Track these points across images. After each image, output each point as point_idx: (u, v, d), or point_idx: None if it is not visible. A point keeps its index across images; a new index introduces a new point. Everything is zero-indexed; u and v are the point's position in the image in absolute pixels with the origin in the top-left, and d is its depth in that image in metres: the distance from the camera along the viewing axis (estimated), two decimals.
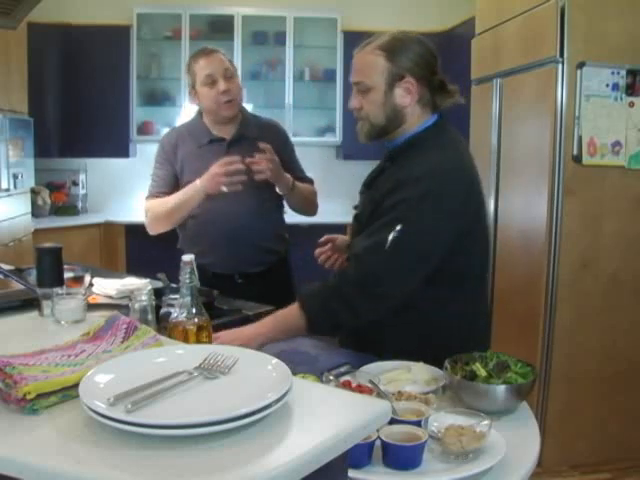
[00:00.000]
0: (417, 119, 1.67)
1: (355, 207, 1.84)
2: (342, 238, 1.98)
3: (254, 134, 2.34)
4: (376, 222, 1.60)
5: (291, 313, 1.63)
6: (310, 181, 2.51)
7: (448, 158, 1.63)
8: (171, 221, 2.34)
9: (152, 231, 2.41)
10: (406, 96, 1.63)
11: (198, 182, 2.21)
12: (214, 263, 2.32)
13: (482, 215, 1.73)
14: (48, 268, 1.44)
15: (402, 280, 1.59)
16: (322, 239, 1.99)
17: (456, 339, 1.66)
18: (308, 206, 2.51)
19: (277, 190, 2.34)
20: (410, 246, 1.55)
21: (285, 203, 2.48)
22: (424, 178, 1.57)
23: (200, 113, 2.41)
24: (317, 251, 1.98)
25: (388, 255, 1.54)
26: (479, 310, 1.79)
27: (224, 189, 2.15)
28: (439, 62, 1.67)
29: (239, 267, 2.35)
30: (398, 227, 1.53)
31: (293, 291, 2.50)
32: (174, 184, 2.35)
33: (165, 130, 5.01)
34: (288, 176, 2.30)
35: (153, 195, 2.37)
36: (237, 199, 2.24)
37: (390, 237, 1.53)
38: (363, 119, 1.68)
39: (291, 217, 2.64)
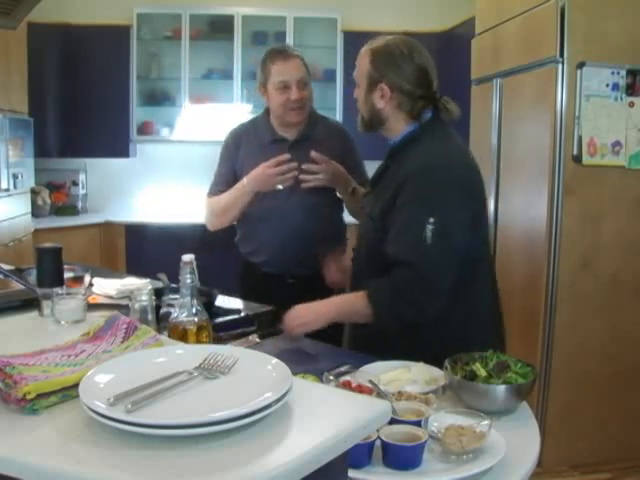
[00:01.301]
0: (405, 123, 1.74)
1: (362, 207, 1.87)
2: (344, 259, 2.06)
3: (319, 136, 2.32)
4: (399, 221, 1.62)
5: (358, 301, 1.67)
6: None
7: (449, 148, 1.72)
8: (225, 219, 2.36)
9: (210, 227, 2.43)
10: (381, 100, 1.72)
11: (245, 180, 2.21)
12: (265, 262, 2.31)
13: (485, 202, 1.79)
14: (48, 268, 1.44)
15: (449, 268, 1.62)
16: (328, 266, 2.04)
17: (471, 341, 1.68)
18: None
19: (337, 194, 2.29)
20: (449, 236, 1.60)
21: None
22: (432, 168, 1.64)
23: (267, 110, 2.38)
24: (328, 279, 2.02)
25: (433, 249, 1.57)
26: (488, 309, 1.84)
27: (280, 187, 2.17)
28: (433, 76, 1.73)
29: (290, 267, 2.30)
30: (431, 219, 1.56)
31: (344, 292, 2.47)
32: (233, 182, 2.32)
33: (165, 130, 5.05)
34: (350, 179, 2.25)
35: (212, 192, 2.38)
36: (293, 199, 2.23)
37: (428, 231, 1.56)
38: (359, 110, 1.80)
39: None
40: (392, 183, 1.68)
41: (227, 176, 2.35)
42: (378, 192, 1.77)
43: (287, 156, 2.15)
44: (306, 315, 1.70)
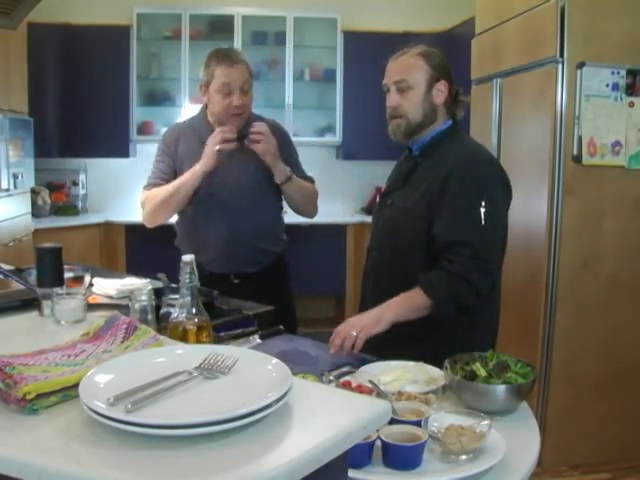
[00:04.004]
0: (440, 120, 1.85)
1: (390, 203, 1.91)
2: None
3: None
4: (453, 207, 1.70)
5: (414, 296, 1.68)
6: (311, 180, 2.50)
7: (482, 147, 1.89)
8: (168, 209, 2.34)
9: (149, 223, 2.41)
10: (440, 96, 1.81)
11: (197, 165, 2.23)
12: (209, 262, 2.31)
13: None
14: (48, 268, 1.44)
15: (500, 249, 1.76)
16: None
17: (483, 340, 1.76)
18: (307, 205, 2.49)
19: (275, 179, 2.31)
20: (498, 219, 1.73)
21: (285, 204, 2.47)
22: (477, 160, 1.78)
23: (205, 109, 2.40)
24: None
25: (488, 230, 1.68)
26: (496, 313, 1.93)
27: (217, 148, 2.19)
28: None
29: (234, 267, 2.34)
30: (483, 202, 1.67)
31: (289, 291, 2.49)
32: (173, 176, 2.34)
33: (165, 130, 5.04)
34: (285, 166, 2.30)
35: (151, 185, 2.37)
36: (235, 197, 2.26)
37: (482, 214, 1.66)
38: (400, 117, 1.82)
39: (292, 217, 2.65)
40: (429, 177, 1.76)
41: (166, 170, 2.36)
42: (412, 186, 1.83)
43: (232, 128, 2.22)
44: (363, 321, 1.66)
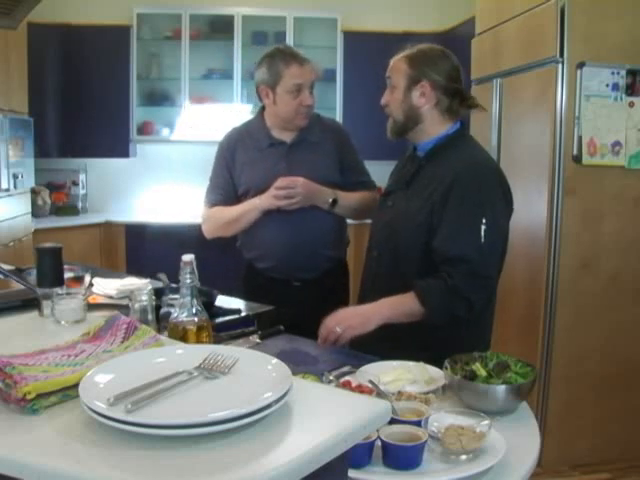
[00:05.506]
0: (439, 123, 1.82)
1: (391, 205, 1.89)
2: None
3: (315, 138, 2.30)
4: (454, 220, 1.68)
5: (408, 301, 1.68)
6: (371, 185, 2.41)
7: (486, 155, 1.86)
8: (229, 231, 2.33)
9: (209, 237, 2.38)
10: (421, 98, 1.79)
11: (257, 200, 2.20)
12: (272, 268, 2.29)
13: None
14: (48, 268, 1.44)
15: (498, 265, 1.75)
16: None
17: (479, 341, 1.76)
18: (363, 213, 2.38)
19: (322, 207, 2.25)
20: (498, 234, 1.72)
21: None
22: (480, 170, 1.75)
23: (262, 112, 2.34)
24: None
25: (487, 247, 1.67)
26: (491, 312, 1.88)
27: (280, 203, 2.17)
28: (462, 74, 1.84)
29: (297, 273, 2.29)
30: (484, 220, 1.66)
31: (348, 295, 2.46)
32: (232, 190, 2.32)
33: (165, 130, 5.05)
34: (329, 193, 2.22)
35: (211, 202, 2.34)
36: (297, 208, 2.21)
37: (482, 231, 1.65)
38: (389, 115, 1.85)
39: None
40: (432, 183, 1.75)
41: (225, 185, 2.32)
42: (415, 190, 1.81)
43: (299, 181, 2.15)
44: (351, 319, 1.66)
